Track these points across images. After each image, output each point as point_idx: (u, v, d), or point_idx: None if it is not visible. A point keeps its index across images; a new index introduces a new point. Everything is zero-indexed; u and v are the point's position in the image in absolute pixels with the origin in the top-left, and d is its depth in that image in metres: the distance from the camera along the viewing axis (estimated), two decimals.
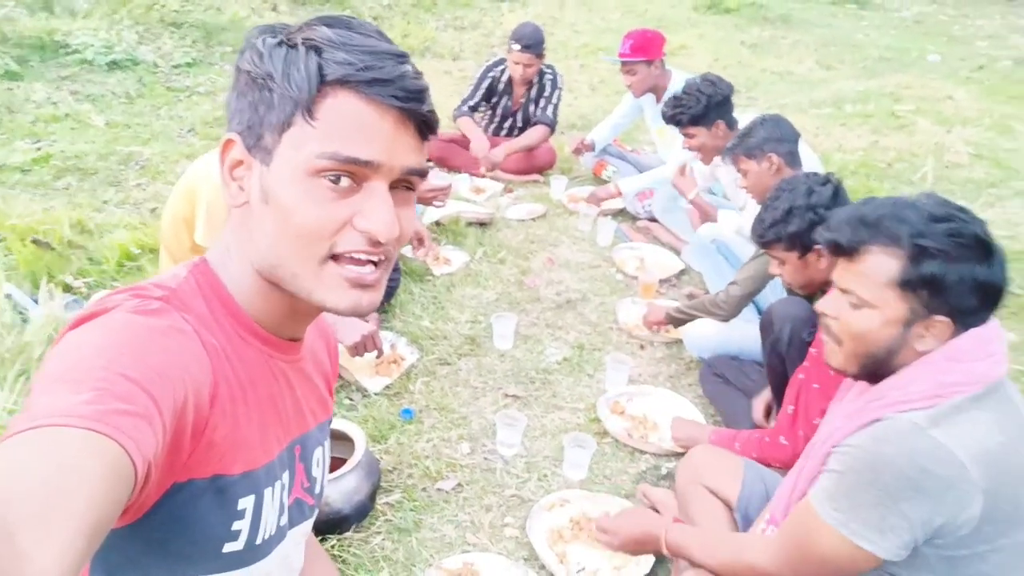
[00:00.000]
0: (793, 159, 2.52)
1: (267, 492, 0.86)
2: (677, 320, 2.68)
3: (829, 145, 5.31)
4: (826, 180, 2.01)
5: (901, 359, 1.29)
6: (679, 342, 2.86)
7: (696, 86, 3.05)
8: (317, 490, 1.02)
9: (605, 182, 4.19)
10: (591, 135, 4.27)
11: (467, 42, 7.80)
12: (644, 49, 3.73)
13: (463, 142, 4.27)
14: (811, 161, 2.95)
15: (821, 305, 1.40)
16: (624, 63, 3.76)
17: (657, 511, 2.07)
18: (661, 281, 3.31)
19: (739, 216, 2.97)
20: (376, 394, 2.49)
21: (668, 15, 9.63)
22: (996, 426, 1.19)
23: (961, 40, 9.74)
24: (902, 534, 1.18)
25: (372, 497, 2.04)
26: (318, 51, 0.74)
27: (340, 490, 1.95)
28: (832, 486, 1.25)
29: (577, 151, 4.24)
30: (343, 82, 0.73)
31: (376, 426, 2.34)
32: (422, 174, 0.80)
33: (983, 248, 1.21)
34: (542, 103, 4.22)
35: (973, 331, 1.25)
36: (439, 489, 2.14)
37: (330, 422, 1.07)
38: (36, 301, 2.57)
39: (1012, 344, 3.02)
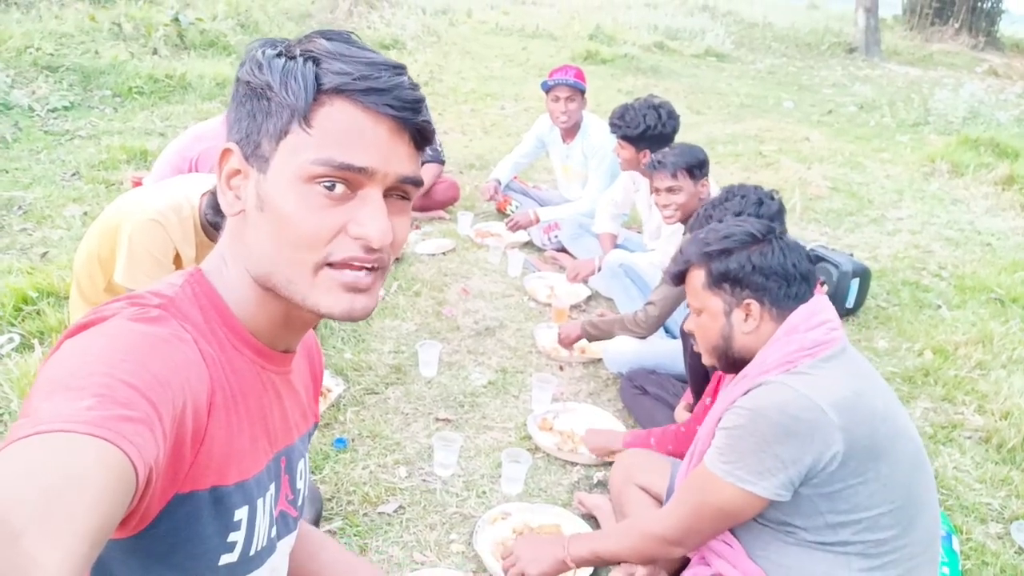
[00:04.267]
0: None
1: (259, 503, 0.86)
2: (592, 335, 2.81)
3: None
4: (773, 196, 2.22)
5: (739, 343, 1.59)
6: (596, 362, 3.00)
7: (644, 109, 3.21)
8: (300, 502, 1.02)
9: (509, 216, 4.34)
10: (494, 173, 4.42)
11: None
12: (583, 79, 3.92)
13: None
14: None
15: (685, 324, 1.75)
16: (572, 87, 3.85)
17: (594, 517, 2.18)
18: (572, 307, 3.47)
19: (652, 256, 3.18)
20: None
21: (548, 64, 10.07)
22: (845, 378, 1.45)
23: (810, 88, 10.77)
24: (778, 474, 1.41)
25: (316, 524, 2.02)
26: (316, 61, 0.76)
27: None
28: (720, 443, 1.49)
29: (491, 198, 4.35)
30: (339, 91, 0.75)
31: (311, 456, 2.32)
32: (416, 183, 0.81)
33: (757, 241, 1.57)
34: None
35: (800, 308, 1.54)
36: (381, 513, 2.14)
37: (312, 433, 1.07)
38: None
39: (882, 350, 3.37)
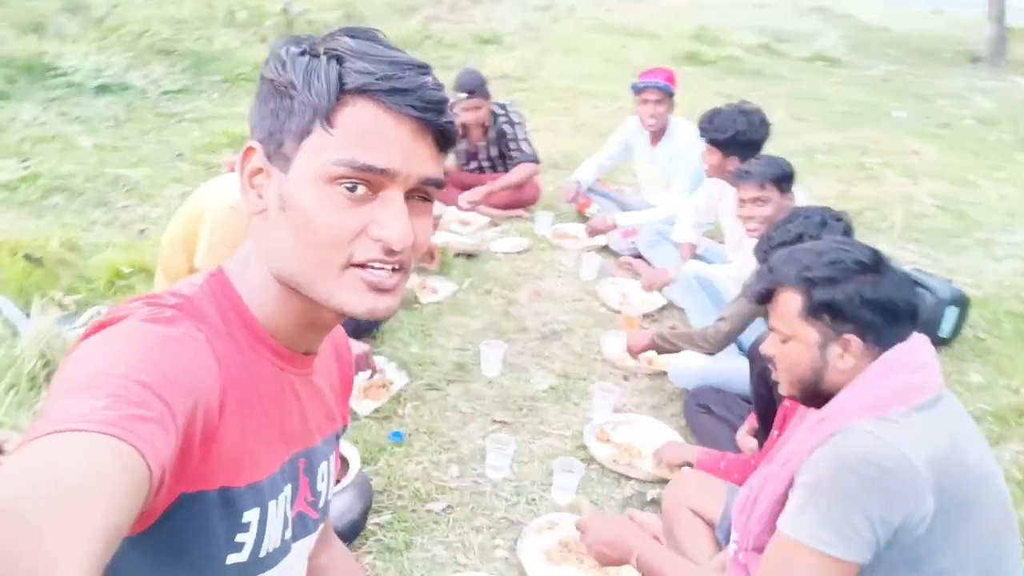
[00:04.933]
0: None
1: (271, 505, 0.86)
2: (660, 347, 2.74)
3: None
4: (839, 217, 2.11)
5: (830, 379, 1.43)
6: (662, 374, 2.93)
7: (734, 114, 3.10)
8: (322, 504, 1.02)
9: (589, 219, 4.30)
10: (576, 174, 4.38)
11: (450, 82, 7.96)
12: (673, 83, 3.86)
13: (449, 179, 4.37)
14: (806, 202, 3.09)
15: (763, 347, 1.57)
16: (661, 89, 3.81)
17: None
18: (643, 315, 3.40)
19: (730, 268, 3.08)
20: (365, 417, 2.52)
21: (646, 63, 9.88)
22: (940, 431, 1.30)
23: (925, 98, 10.16)
24: (865, 534, 1.26)
25: (364, 516, 2.06)
26: (339, 60, 0.75)
27: (333, 508, 1.95)
28: (800, 500, 1.32)
29: (572, 200, 4.32)
30: (362, 91, 0.74)
31: (366, 448, 2.36)
32: (439, 184, 0.80)
33: (867, 270, 1.39)
34: (512, 145, 4.35)
35: (898, 347, 1.38)
36: (429, 510, 2.16)
37: (339, 436, 1.06)
38: (28, 316, 2.57)
39: (977, 385, 3.15)
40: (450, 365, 2.86)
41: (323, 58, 0.75)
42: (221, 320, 0.80)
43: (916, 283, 3.40)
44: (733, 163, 3.11)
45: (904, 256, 4.47)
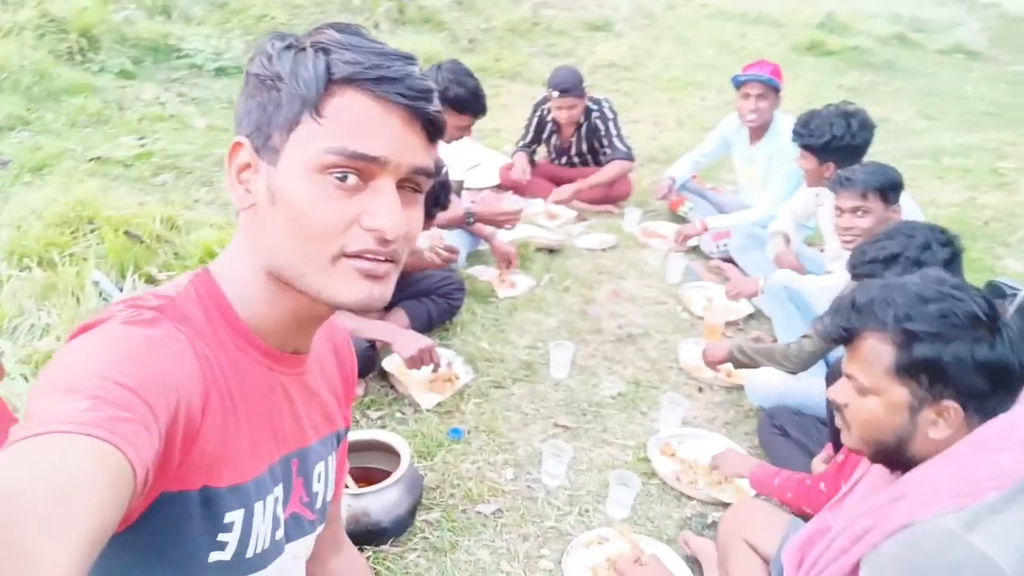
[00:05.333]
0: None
1: (257, 506, 0.85)
2: (739, 361, 2.60)
3: (922, 198, 5.08)
4: (948, 242, 1.90)
5: (916, 447, 1.22)
6: (740, 388, 2.78)
7: (832, 116, 2.90)
8: (319, 505, 1.01)
9: (682, 218, 4.15)
10: (671, 170, 4.22)
11: (545, 75, 7.88)
12: (779, 76, 3.66)
13: (541, 171, 4.33)
14: (913, 212, 2.85)
15: (831, 392, 1.35)
16: (764, 83, 3.62)
17: (698, 561, 2.03)
18: (728, 324, 3.24)
19: (823, 279, 2.88)
20: (427, 410, 2.52)
21: (764, 53, 9.45)
22: None
23: None
24: None
25: (412, 512, 2.06)
26: (326, 51, 0.75)
27: (381, 502, 1.98)
28: None
29: (664, 196, 4.17)
30: (350, 80, 0.74)
31: (424, 442, 2.36)
32: (429, 174, 0.80)
33: (982, 327, 1.16)
34: (605, 141, 4.22)
35: (1001, 418, 1.17)
36: (479, 512, 2.13)
37: (339, 436, 1.06)
38: (121, 290, 2.72)
39: None
40: (518, 363, 2.82)
41: (309, 50, 0.75)
42: (205, 320, 0.80)
43: None
44: (830, 169, 2.92)
45: None
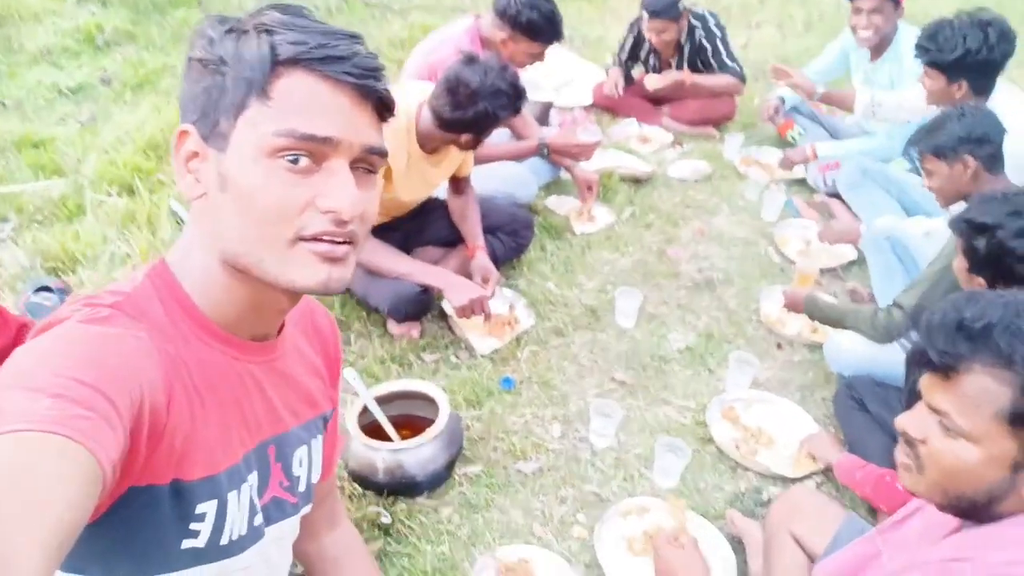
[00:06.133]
0: (995, 163, 2.09)
1: (231, 495, 0.86)
2: (812, 315, 2.37)
3: None
4: None
5: (1007, 507, 1.01)
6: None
7: (966, 27, 2.49)
8: (302, 488, 1.02)
9: (789, 144, 3.76)
10: (780, 89, 3.81)
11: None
12: None
13: (637, 89, 4.02)
14: (1017, 119, 2.41)
15: (903, 422, 1.11)
16: None
17: (742, 544, 1.91)
18: (824, 271, 2.95)
19: (931, 221, 2.53)
20: (483, 356, 2.47)
21: None
22: None
23: None
24: None
25: (450, 467, 2.04)
26: (270, 32, 0.74)
27: (416, 458, 1.97)
28: None
29: (771, 119, 3.77)
30: (296, 61, 0.73)
31: (474, 390, 2.33)
32: (382, 153, 0.79)
33: None
34: (713, 62, 3.82)
35: None
36: (519, 470, 2.09)
37: (325, 418, 1.06)
38: None
39: None
40: (582, 309, 2.70)
41: (252, 32, 0.75)
42: (164, 314, 0.80)
43: None
44: (962, 89, 2.51)
45: None
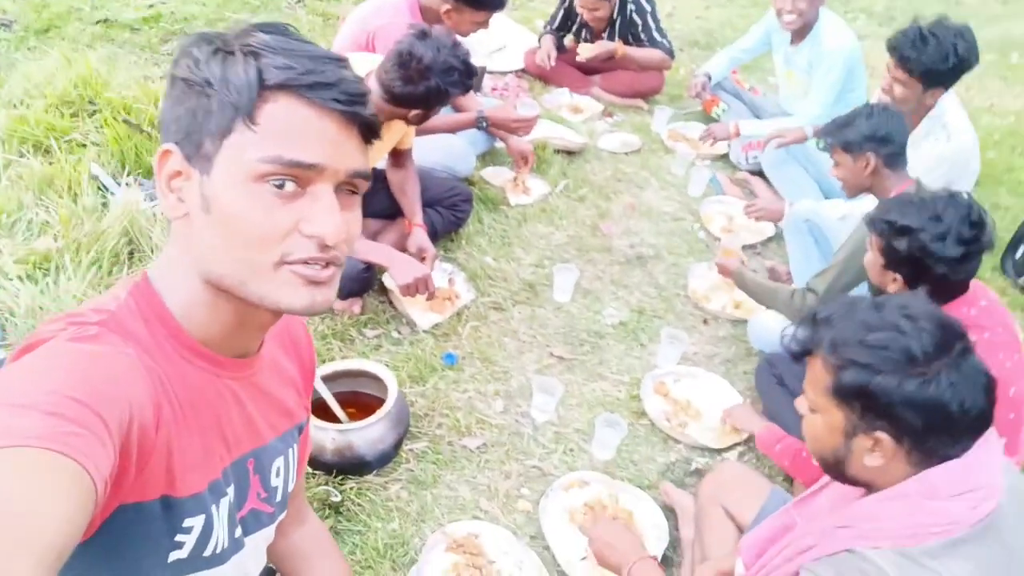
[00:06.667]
0: (896, 161, 2.25)
1: (214, 510, 0.87)
2: (741, 285, 2.52)
3: (980, 102, 4.74)
4: (971, 239, 1.72)
5: (854, 471, 1.23)
6: (746, 323, 2.71)
7: (952, 36, 2.50)
8: (278, 498, 1.04)
9: (715, 120, 3.88)
10: (706, 66, 3.91)
11: None
12: None
13: (568, 58, 4.04)
14: (959, 119, 2.66)
15: (797, 402, 1.34)
16: None
17: (674, 512, 2.05)
18: (746, 247, 3.11)
19: (846, 205, 2.69)
20: (424, 331, 2.50)
21: None
22: (976, 574, 1.08)
23: None
24: None
25: (397, 446, 2.09)
26: (256, 56, 0.74)
27: (365, 438, 2.00)
28: None
29: (697, 95, 3.86)
30: (283, 86, 0.73)
31: (417, 366, 2.37)
32: (366, 177, 0.80)
33: (917, 364, 1.12)
34: (643, 35, 3.89)
35: (950, 464, 1.14)
36: (464, 446, 2.16)
37: (301, 427, 1.08)
38: (120, 185, 2.66)
39: None
40: (520, 284, 2.77)
41: (239, 54, 0.74)
42: (147, 332, 0.80)
43: None
44: (934, 97, 2.63)
45: None
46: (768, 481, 1.93)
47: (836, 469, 1.26)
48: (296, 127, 0.74)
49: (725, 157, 3.72)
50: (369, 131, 0.80)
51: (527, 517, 2.00)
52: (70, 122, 2.92)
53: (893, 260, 1.82)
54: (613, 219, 3.20)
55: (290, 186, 0.74)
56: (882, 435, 1.16)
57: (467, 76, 2.19)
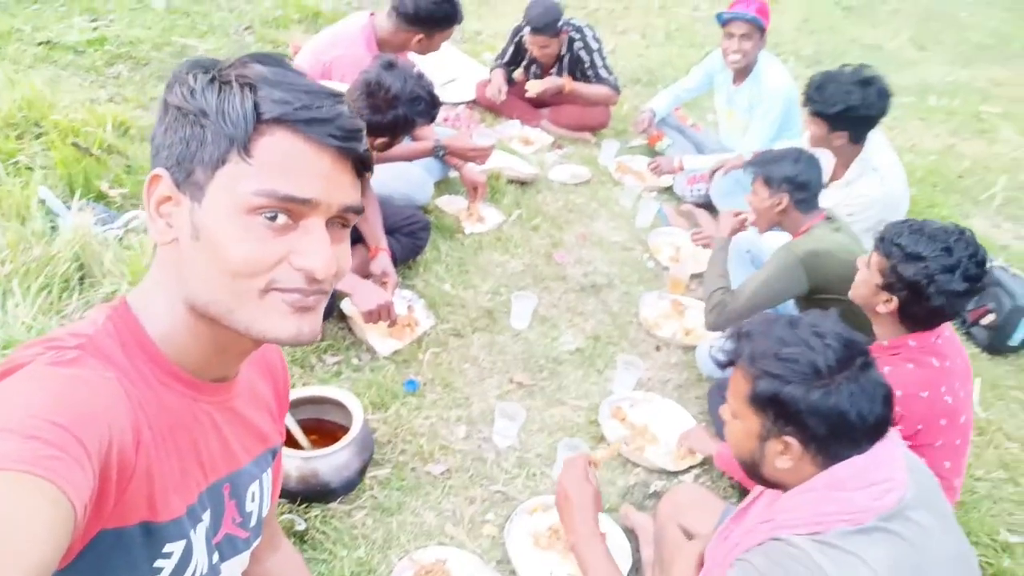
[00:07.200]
0: (807, 207, 2.42)
1: (192, 534, 0.87)
2: (711, 259, 2.64)
3: (902, 142, 5.04)
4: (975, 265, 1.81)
5: (768, 472, 1.35)
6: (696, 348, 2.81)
7: (848, 84, 2.68)
8: (253, 523, 1.04)
9: (659, 153, 4.04)
10: (651, 102, 4.07)
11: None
12: (765, 16, 3.46)
13: (519, 91, 4.15)
14: (888, 161, 2.84)
15: (721, 409, 1.46)
16: (750, 23, 3.41)
17: (635, 534, 2.11)
18: (693, 276, 3.23)
19: (783, 235, 2.84)
20: (384, 358, 2.51)
21: None
22: (884, 563, 1.19)
23: None
24: None
25: (362, 472, 2.08)
26: (253, 88, 0.74)
27: (331, 465, 1.99)
28: None
29: (643, 131, 4.00)
30: (280, 120, 0.74)
31: (379, 393, 2.37)
32: (358, 211, 0.81)
33: (821, 376, 1.25)
34: (589, 72, 4.03)
35: (853, 459, 1.27)
36: (428, 472, 2.17)
37: (274, 452, 1.08)
38: (69, 208, 2.60)
39: None
40: (479, 311, 2.80)
41: (235, 85, 0.74)
42: (125, 357, 0.79)
43: (996, 282, 3.13)
44: (841, 139, 2.80)
45: (998, 236, 4.11)
46: (722, 500, 2.01)
47: (753, 471, 1.39)
48: (291, 161, 0.74)
49: (670, 189, 3.86)
50: (363, 166, 0.80)
51: (493, 542, 2.02)
52: (15, 144, 2.84)
53: (894, 283, 1.86)
54: (566, 248, 3.28)
55: (282, 219, 0.75)
56: (791, 439, 1.29)
57: (432, 106, 2.25)
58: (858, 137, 2.81)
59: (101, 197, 2.79)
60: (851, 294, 2.00)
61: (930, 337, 1.88)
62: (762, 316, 1.42)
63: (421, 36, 2.80)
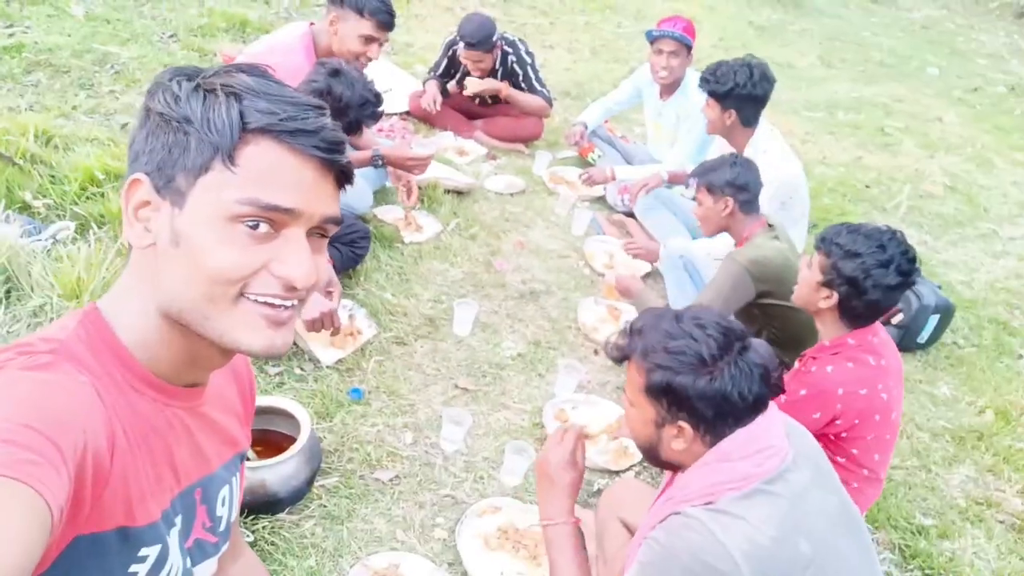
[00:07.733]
0: (750, 208, 2.59)
1: (168, 539, 0.87)
2: (639, 304, 2.74)
3: (814, 155, 5.33)
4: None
5: (665, 455, 1.47)
6: None
7: (736, 66, 3.03)
8: (222, 528, 1.04)
9: (590, 165, 4.16)
10: (582, 115, 4.19)
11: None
12: (692, 34, 3.64)
13: (453, 103, 4.20)
14: (775, 147, 3.07)
15: (622, 399, 1.58)
16: (677, 40, 3.58)
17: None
18: None
19: (712, 242, 2.99)
20: (328, 367, 2.50)
21: None
22: (768, 522, 1.30)
23: (963, 54, 9.73)
24: None
25: (310, 481, 2.08)
26: (238, 98, 0.75)
27: (279, 474, 1.98)
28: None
29: (575, 143, 4.11)
30: (265, 130, 0.75)
31: (324, 402, 2.37)
32: (337, 222, 0.83)
33: (706, 365, 1.37)
34: (523, 85, 4.12)
35: (738, 434, 1.39)
36: (376, 479, 2.18)
37: (242, 456, 1.09)
38: None
39: (941, 398, 3.15)
40: (421, 319, 2.83)
41: (221, 95, 0.75)
42: (97, 362, 0.79)
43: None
44: (731, 117, 3.06)
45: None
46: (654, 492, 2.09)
47: (651, 454, 1.50)
48: (275, 171, 0.75)
49: (602, 199, 3.97)
50: (344, 177, 0.82)
51: (444, 545, 2.05)
52: None
53: (834, 279, 1.99)
54: (504, 256, 3.34)
55: (264, 228, 0.76)
56: (684, 424, 1.40)
57: (378, 107, 2.28)
58: (747, 119, 3.08)
59: (26, 208, 2.68)
60: (794, 296, 2.13)
61: (867, 335, 2.01)
62: (650, 311, 1.52)
63: (335, 14, 2.74)
